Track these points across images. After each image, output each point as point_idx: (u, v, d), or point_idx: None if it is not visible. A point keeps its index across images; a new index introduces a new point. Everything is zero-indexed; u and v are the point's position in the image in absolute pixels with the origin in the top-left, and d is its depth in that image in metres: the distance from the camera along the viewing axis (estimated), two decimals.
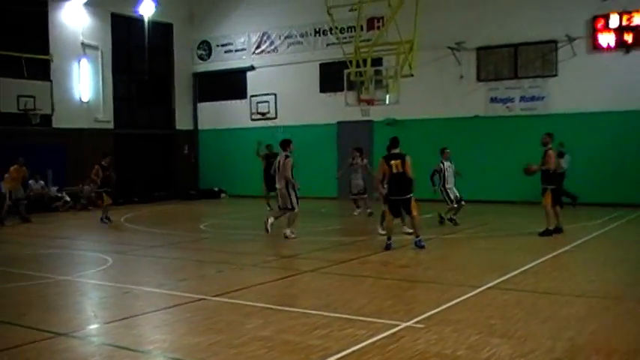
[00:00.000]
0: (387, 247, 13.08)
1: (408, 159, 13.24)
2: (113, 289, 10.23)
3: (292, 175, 15.24)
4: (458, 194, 17.00)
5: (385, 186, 13.49)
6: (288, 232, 15.25)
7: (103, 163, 19.73)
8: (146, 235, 17.31)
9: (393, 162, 13.13)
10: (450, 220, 17.01)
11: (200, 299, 9.16)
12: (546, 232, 14.68)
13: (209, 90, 30.70)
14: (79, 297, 9.88)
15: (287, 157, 15.51)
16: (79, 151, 24.75)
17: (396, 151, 13.43)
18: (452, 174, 17.20)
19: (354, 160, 19.86)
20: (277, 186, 15.60)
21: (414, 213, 13.24)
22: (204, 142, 30.56)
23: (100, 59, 26.66)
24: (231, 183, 28.70)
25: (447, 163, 17.20)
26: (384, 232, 14.09)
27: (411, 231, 14.24)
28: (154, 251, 14.32)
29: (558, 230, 14.88)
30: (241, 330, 7.53)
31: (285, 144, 15.73)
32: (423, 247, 13.09)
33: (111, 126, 27.22)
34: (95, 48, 26.47)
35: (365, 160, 20.06)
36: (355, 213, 19.74)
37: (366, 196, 19.65)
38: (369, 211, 18.91)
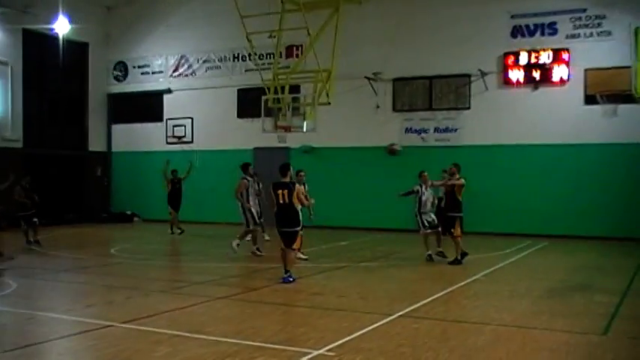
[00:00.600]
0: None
1: (298, 188, 12.64)
2: (15, 315, 9.82)
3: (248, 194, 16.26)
4: (434, 220, 16.22)
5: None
6: (234, 243, 16.07)
7: (23, 183, 18.37)
8: (54, 258, 16.74)
9: (279, 191, 12.38)
10: (439, 254, 16.04)
11: (108, 326, 8.90)
12: (456, 261, 15.01)
13: (124, 111, 30.15)
14: None
15: (242, 178, 16.55)
16: None
17: (285, 179, 12.59)
18: (429, 200, 16.45)
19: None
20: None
21: (294, 247, 12.67)
22: (117, 164, 29.94)
23: (9, 75, 25.76)
24: (144, 207, 28.15)
25: (424, 188, 16.41)
26: (305, 257, 14.53)
27: (305, 257, 14.70)
28: (61, 276, 13.87)
29: (433, 257, 15.65)
30: (149, 358, 7.36)
31: (244, 167, 17.11)
32: (290, 281, 12.33)
33: (20, 145, 26.31)
34: (4, 64, 25.61)
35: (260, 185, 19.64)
36: (267, 238, 19.12)
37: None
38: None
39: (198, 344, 7.97)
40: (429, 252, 15.85)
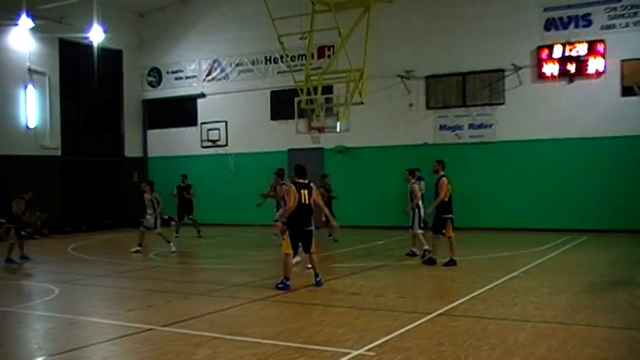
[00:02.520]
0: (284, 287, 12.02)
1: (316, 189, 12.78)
2: (59, 320, 9.99)
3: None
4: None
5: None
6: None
7: (24, 196, 17.70)
8: (94, 264, 16.97)
9: (303, 191, 12.24)
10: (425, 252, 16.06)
11: (148, 329, 9.00)
12: (451, 262, 14.55)
13: (159, 117, 30.49)
14: (23, 329, 9.58)
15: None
16: (25, 178, 24.16)
17: (305, 180, 12.53)
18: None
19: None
20: None
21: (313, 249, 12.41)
22: (153, 169, 30.25)
23: (47, 85, 26.26)
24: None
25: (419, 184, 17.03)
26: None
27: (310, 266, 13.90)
28: (101, 281, 14.05)
29: (432, 261, 14.81)
30: None
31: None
32: (321, 284, 12.21)
33: (58, 153, 26.74)
34: (42, 74, 26.08)
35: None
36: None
37: None
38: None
39: (239, 346, 8.01)
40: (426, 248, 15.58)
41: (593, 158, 21.55)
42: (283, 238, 12.73)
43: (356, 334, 8.45)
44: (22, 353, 8.23)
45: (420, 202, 16.42)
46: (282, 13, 21.00)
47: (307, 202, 12.27)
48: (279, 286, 11.96)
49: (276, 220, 16.37)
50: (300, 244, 12.34)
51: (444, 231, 14.81)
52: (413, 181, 16.34)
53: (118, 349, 8.18)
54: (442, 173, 14.90)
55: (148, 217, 18.56)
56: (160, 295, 11.93)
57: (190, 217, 23.50)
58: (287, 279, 12.01)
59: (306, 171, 12.64)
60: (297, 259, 14.48)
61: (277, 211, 16.99)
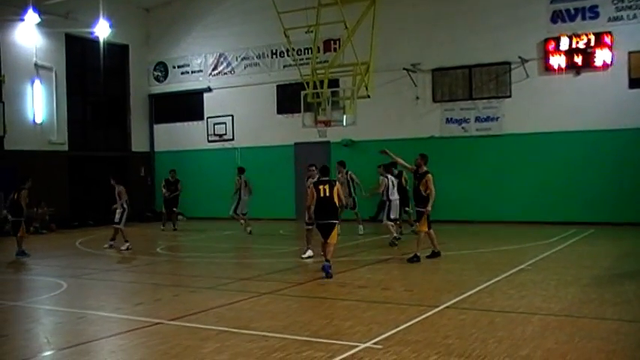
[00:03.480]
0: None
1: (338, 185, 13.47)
2: (67, 314, 10.03)
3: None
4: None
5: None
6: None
7: (24, 187, 17.54)
8: (102, 258, 17.02)
9: (321, 187, 13.04)
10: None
11: (156, 323, 9.04)
12: (415, 258, 14.18)
13: (165, 111, 30.51)
14: (31, 323, 9.64)
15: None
16: (32, 173, 24.19)
17: (327, 177, 13.45)
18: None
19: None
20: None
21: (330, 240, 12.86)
22: (160, 163, 30.28)
23: (54, 80, 26.30)
24: (188, 205, 28.45)
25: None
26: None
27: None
28: (109, 275, 14.11)
29: (436, 254, 14.68)
30: (198, 354, 7.45)
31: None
32: (329, 273, 12.43)
33: (65, 148, 26.81)
34: (49, 69, 26.12)
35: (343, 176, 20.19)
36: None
37: None
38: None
39: (246, 340, 8.04)
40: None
41: (600, 150, 21.48)
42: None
43: (363, 327, 8.47)
44: (31, 347, 8.27)
45: (394, 196, 17.29)
46: (288, 6, 21.00)
47: (327, 195, 12.97)
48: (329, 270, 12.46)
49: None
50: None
51: (417, 223, 14.76)
52: (383, 174, 17.12)
53: (126, 343, 8.22)
54: (425, 168, 14.68)
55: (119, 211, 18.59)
56: (167, 288, 11.97)
57: (175, 209, 24.08)
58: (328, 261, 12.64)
59: (328, 169, 13.77)
60: (310, 253, 14.90)
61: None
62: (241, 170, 22.17)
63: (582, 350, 7.32)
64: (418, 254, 14.30)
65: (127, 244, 17.97)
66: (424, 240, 14.59)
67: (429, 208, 14.30)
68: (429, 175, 14.47)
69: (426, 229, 14.48)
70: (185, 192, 24.45)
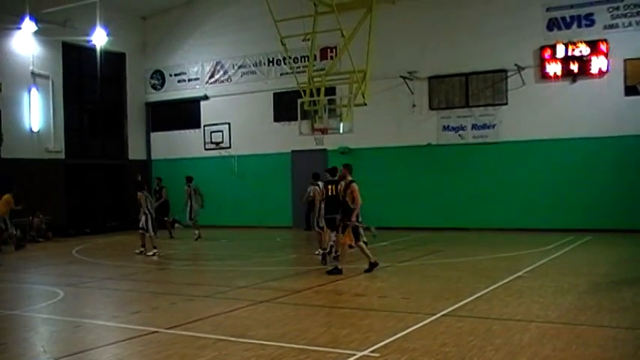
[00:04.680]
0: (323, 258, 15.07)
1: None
2: (64, 323, 10.00)
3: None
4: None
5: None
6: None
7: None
8: (99, 267, 16.98)
9: (330, 186, 15.08)
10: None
11: (153, 332, 9.02)
12: (335, 271, 13.77)
13: (162, 119, 30.51)
14: (28, 332, 9.63)
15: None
16: (30, 181, 24.26)
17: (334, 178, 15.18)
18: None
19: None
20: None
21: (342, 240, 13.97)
22: (157, 171, 30.21)
23: (50, 88, 26.29)
24: (185, 213, 28.48)
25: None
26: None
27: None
28: (106, 283, 14.07)
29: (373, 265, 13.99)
30: None
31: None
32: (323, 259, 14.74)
33: (62, 156, 26.77)
34: (46, 77, 26.12)
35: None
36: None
37: None
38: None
39: (243, 348, 8.02)
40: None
41: (596, 158, 21.53)
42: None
43: (360, 336, 8.45)
44: (28, 356, 8.25)
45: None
46: (284, 14, 21.04)
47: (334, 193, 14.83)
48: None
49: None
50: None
51: (342, 234, 14.00)
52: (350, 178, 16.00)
53: (123, 352, 8.20)
54: (350, 178, 14.04)
55: None
56: (164, 297, 11.95)
57: (166, 218, 24.04)
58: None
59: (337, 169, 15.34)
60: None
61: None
62: (189, 179, 23.28)
63: (580, 358, 7.32)
64: (340, 267, 13.85)
65: (155, 250, 18.24)
66: (346, 252, 14.09)
67: (354, 219, 13.71)
68: (354, 185, 13.89)
69: (351, 242, 13.88)
70: (181, 200, 24.34)
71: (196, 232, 22.71)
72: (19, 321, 10.36)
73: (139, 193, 18.69)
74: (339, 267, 13.87)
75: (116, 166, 29.65)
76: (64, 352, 8.27)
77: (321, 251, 15.70)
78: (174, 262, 18.16)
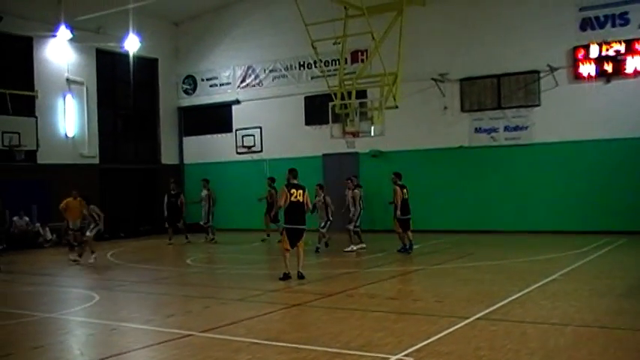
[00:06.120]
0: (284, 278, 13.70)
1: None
2: (100, 326, 10.12)
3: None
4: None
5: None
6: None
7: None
8: (133, 270, 17.18)
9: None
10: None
11: (188, 335, 9.08)
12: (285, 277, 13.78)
13: (194, 124, 30.76)
14: (65, 335, 9.76)
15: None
16: (64, 186, 24.51)
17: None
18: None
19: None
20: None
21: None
22: (189, 175, 30.49)
23: (85, 95, 26.66)
24: (217, 216, 28.60)
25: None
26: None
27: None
28: (140, 287, 14.21)
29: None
30: None
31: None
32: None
33: (96, 161, 27.14)
34: (80, 83, 26.49)
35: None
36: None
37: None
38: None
39: (277, 351, 8.05)
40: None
41: (631, 159, 21.20)
42: None
43: (394, 339, 8.43)
44: (65, 359, 8.36)
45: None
46: (315, 18, 21.08)
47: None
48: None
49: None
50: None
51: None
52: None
53: (158, 355, 8.27)
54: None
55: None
56: (198, 300, 12.03)
57: (178, 224, 24.11)
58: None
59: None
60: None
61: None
62: (208, 181, 24.26)
63: None
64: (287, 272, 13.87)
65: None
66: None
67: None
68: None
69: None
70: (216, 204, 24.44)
71: (212, 235, 23.53)
72: (55, 324, 10.51)
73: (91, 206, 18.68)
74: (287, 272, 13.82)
75: (149, 170, 29.93)
76: (100, 354, 8.37)
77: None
78: (207, 265, 18.28)
